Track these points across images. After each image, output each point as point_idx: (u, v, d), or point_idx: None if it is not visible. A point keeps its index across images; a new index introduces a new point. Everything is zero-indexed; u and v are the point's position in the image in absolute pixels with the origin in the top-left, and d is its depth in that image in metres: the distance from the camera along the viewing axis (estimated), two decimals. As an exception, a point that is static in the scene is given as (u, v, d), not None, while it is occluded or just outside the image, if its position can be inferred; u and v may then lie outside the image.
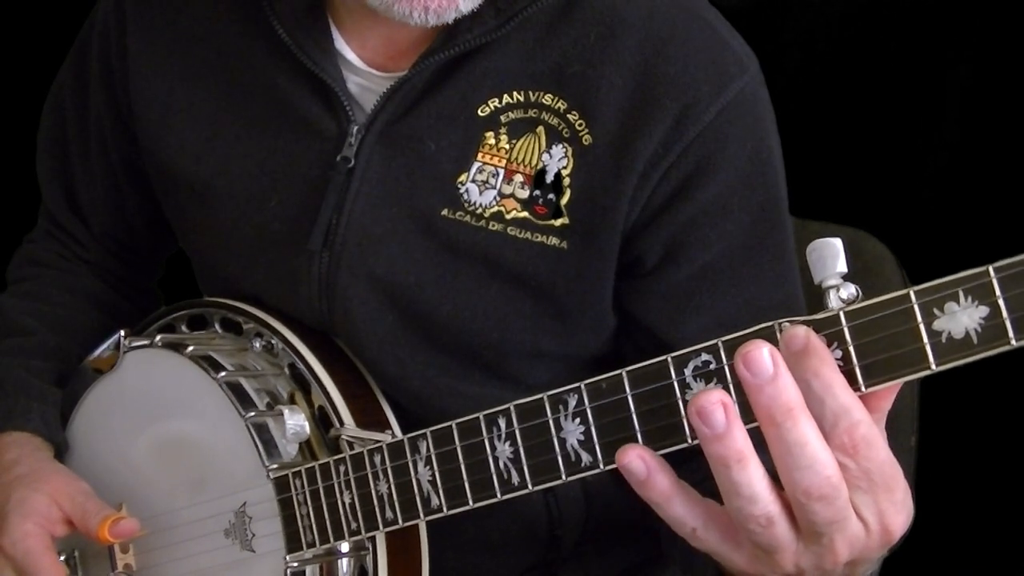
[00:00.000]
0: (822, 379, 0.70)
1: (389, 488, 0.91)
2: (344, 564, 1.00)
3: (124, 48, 1.18)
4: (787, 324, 0.72)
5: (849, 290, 0.71)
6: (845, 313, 0.71)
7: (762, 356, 0.70)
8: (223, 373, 1.05)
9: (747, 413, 0.72)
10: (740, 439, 0.71)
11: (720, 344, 0.75)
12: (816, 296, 0.74)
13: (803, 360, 0.70)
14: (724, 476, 0.72)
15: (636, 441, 0.77)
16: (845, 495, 0.71)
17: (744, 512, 0.72)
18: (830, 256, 0.72)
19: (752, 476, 0.71)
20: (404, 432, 0.96)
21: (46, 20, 2.14)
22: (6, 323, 1.25)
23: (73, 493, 1.08)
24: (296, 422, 1.01)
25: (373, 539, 0.99)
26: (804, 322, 0.72)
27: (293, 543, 0.99)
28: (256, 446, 1.02)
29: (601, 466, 0.80)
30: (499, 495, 0.85)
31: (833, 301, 0.72)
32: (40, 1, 2.17)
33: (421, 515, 0.90)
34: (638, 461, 0.74)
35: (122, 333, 1.14)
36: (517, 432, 0.83)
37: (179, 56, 1.15)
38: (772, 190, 1.05)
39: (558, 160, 1.02)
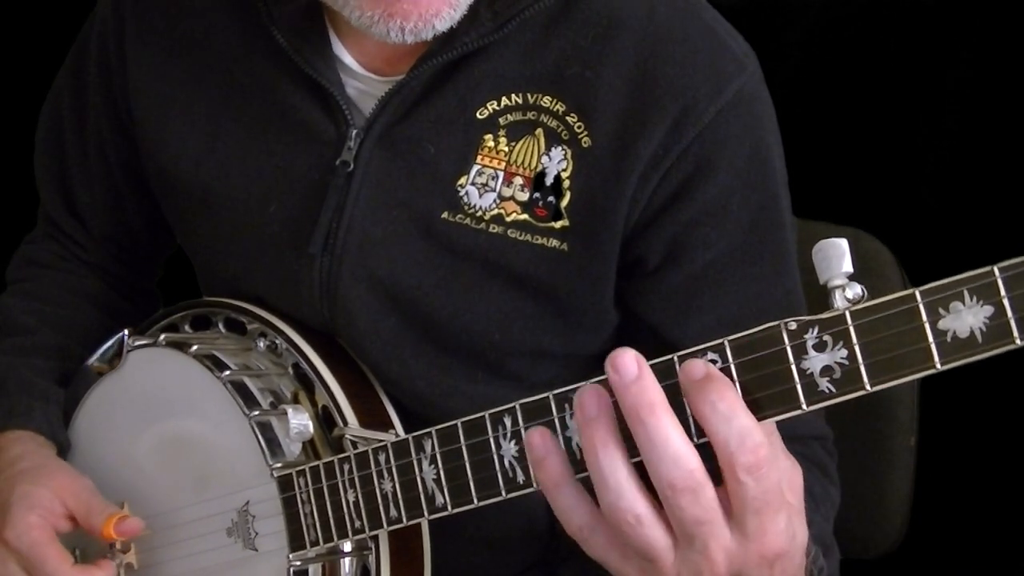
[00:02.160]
0: (727, 402, 0.72)
1: (393, 486, 0.92)
2: (347, 563, 1.01)
3: (123, 52, 1.18)
4: (793, 323, 0.73)
5: (855, 290, 0.72)
6: (851, 312, 0.71)
7: (628, 359, 0.73)
8: (227, 372, 1.06)
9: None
10: (608, 426, 0.75)
11: (726, 343, 0.75)
12: (819, 295, 0.74)
13: (706, 387, 0.73)
14: (592, 464, 0.75)
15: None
16: (711, 495, 0.73)
17: (613, 508, 0.75)
18: (836, 256, 0.72)
19: (616, 465, 0.74)
20: (407, 432, 0.97)
21: (46, 21, 2.14)
22: (7, 322, 1.25)
23: (77, 490, 1.08)
24: (300, 421, 1.01)
25: (376, 538, 1.00)
26: (810, 322, 0.73)
27: (296, 542, 0.99)
28: (260, 445, 1.02)
29: (605, 465, 0.80)
30: (504, 494, 0.85)
31: (839, 301, 0.72)
32: (40, 1, 2.17)
33: (425, 513, 0.90)
34: (538, 439, 0.78)
35: (126, 332, 1.14)
36: (522, 431, 0.83)
37: (178, 60, 1.15)
38: (772, 189, 1.06)
39: (557, 162, 1.02)
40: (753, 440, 0.72)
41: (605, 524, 0.77)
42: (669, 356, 0.77)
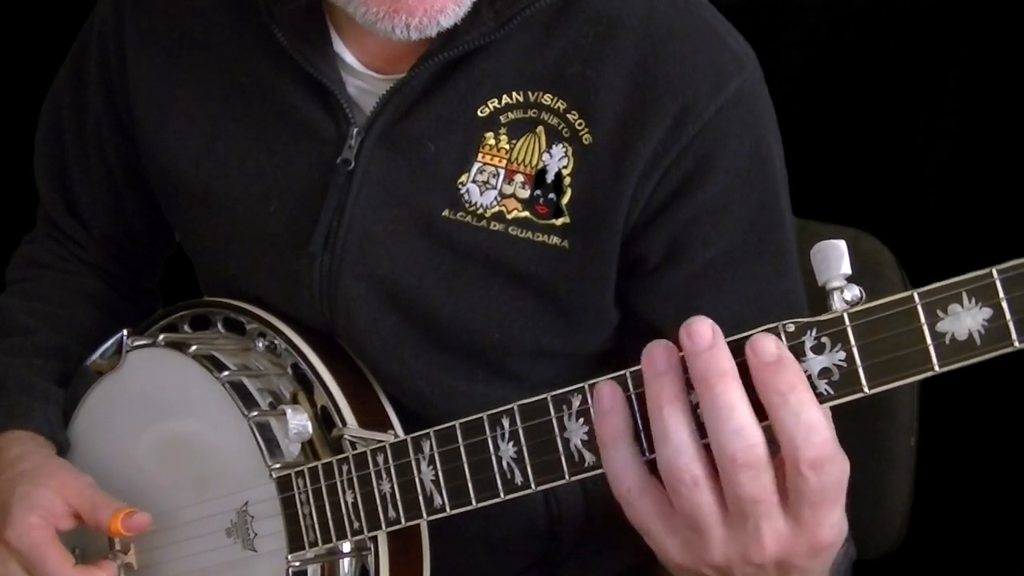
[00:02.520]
0: (798, 393, 0.72)
1: (392, 487, 0.92)
2: (346, 564, 1.01)
3: (123, 52, 1.18)
4: (791, 325, 0.73)
5: (853, 291, 0.72)
6: (849, 314, 0.71)
7: (704, 327, 0.74)
8: (226, 372, 1.06)
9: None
10: (677, 384, 0.75)
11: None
12: (818, 296, 0.74)
13: (779, 373, 0.72)
14: (656, 419, 0.75)
15: (639, 441, 0.78)
16: (771, 476, 0.73)
17: (672, 464, 0.74)
18: (834, 258, 0.72)
19: (680, 422, 0.74)
20: (406, 433, 0.97)
21: (46, 21, 2.14)
22: (7, 322, 1.25)
23: (80, 487, 1.08)
24: (299, 422, 1.01)
25: (375, 539, 1.00)
26: (808, 323, 0.73)
27: (295, 542, 0.99)
28: (259, 445, 1.02)
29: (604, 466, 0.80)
30: (502, 495, 0.85)
31: (837, 302, 0.72)
32: (40, 1, 2.17)
33: (424, 515, 0.90)
34: (608, 391, 0.78)
35: (125, 332, 1.14)
36: (520, 431, 0.83)
37: (178, 60, 1.15)
38: (772, 187, 1.06)
39: (558, 160, 1.02)
40: (820, 436, 0.71)
41: (655, 489, 0.77)
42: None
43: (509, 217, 1.03)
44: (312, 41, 1.06)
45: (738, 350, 0.74)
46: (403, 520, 0.91)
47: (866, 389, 0.71)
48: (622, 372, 0.79)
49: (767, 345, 0.72)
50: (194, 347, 1.09)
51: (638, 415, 0.78)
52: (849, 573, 1.11)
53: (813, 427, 0.71)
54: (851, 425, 1.25)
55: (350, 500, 0.95)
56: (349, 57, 1.08)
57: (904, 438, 1.35)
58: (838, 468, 0.73)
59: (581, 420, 0.80)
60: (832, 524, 0.74)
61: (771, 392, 0.72)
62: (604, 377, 0.80)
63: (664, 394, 0.75)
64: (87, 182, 1.28)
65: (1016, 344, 0.66)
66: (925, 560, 1.69)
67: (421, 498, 0.90)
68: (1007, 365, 0.74)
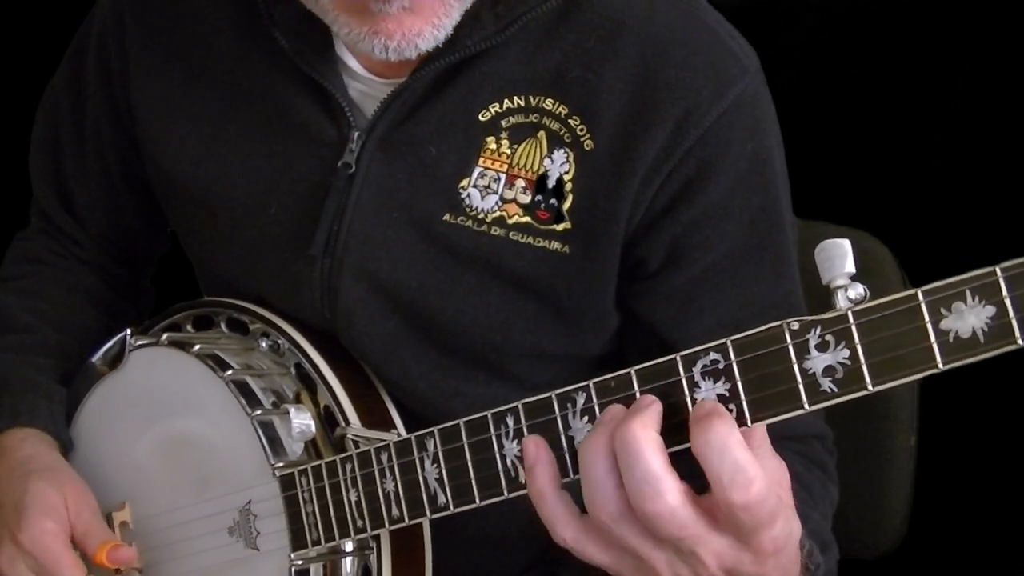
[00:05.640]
0: (720, 436, 0.73)
1: (396, 486, 0.92)
2: (348, 562, 1.01)
3: (124, 52, 1.18)
4: (795, 323, 0.73)
5: (857, 290, 0.72)
6: (853, 312, 0.71)
7: (712, 406, 0.76)
8: (229, 372, 1.06)
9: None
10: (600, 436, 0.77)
11: (729, 343, 0.75)
12: (818, 296, 0.74)
13: (704, 422, 0.74)
14: (580, 458, 0.78)
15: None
16: (688, 512, 0.75)
17: (591, 500, 0.78)
18: (838, 256, 0.73)
19: (598, 461, 0.77)
20: (408, 433, 0.97)
21: (46, 20, 2.14)
22: (7, 320, 1.24)
23: (82, 508, 1.08)
24: (302, 421, 1.01)
25: (377, 537, 1.00)
26: (812, 321, 0.73)
27: (298, 541, 0.99)
28: (262, 444, 1.02)
29: (608, 465, 0.80)
30: (506, 493, 0.85)
31: (841, 301, 0.72)
32: (40, 1, 2.17)
33: (427, 513, 0.90)
34: (532, 446, 0.80)
35: (128, 331, 1.14)
36: (525, 430, 0.83)
37: (179, 61, 1.15)
38: (772, 191, 1.06)
39: (560, 165, 1.02)
40: (745, 476, 0.72)
41: (592, 530, 0.79)
42: (672, 356, 0.78)
43: (510, 222, 1.03)
44: (313, 44, 1.06)
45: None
46: (407, 519, 0.92)
47: (870, 387, 0.71)
48: (626, 371, 0.80)
49: (703, 404, 0.75)
50: (197, 346, 1.09)
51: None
52: (834, 572, 1.11)
53: (737, 469, 0.73)
54: (851, 425, 1.26)
55: (353, 499, 0.95)
56: (351, 60, 1.08)
57: (904, 438, 1.35)
58: (769, 505, 0.74)
59: (586, 419, 0.81)
60: (773, 538, 0.76)
61: (698, 441, 0.74)
62: (602, 376, 0.81)
63: (589, 442, 0.77)
64: (84, 180, 1.28)
65: (1019, 342, 0.66)
66: (925, 560, 1.69)
67: (425, 496, 0.90)
68: (1008, 364, 0.75)
